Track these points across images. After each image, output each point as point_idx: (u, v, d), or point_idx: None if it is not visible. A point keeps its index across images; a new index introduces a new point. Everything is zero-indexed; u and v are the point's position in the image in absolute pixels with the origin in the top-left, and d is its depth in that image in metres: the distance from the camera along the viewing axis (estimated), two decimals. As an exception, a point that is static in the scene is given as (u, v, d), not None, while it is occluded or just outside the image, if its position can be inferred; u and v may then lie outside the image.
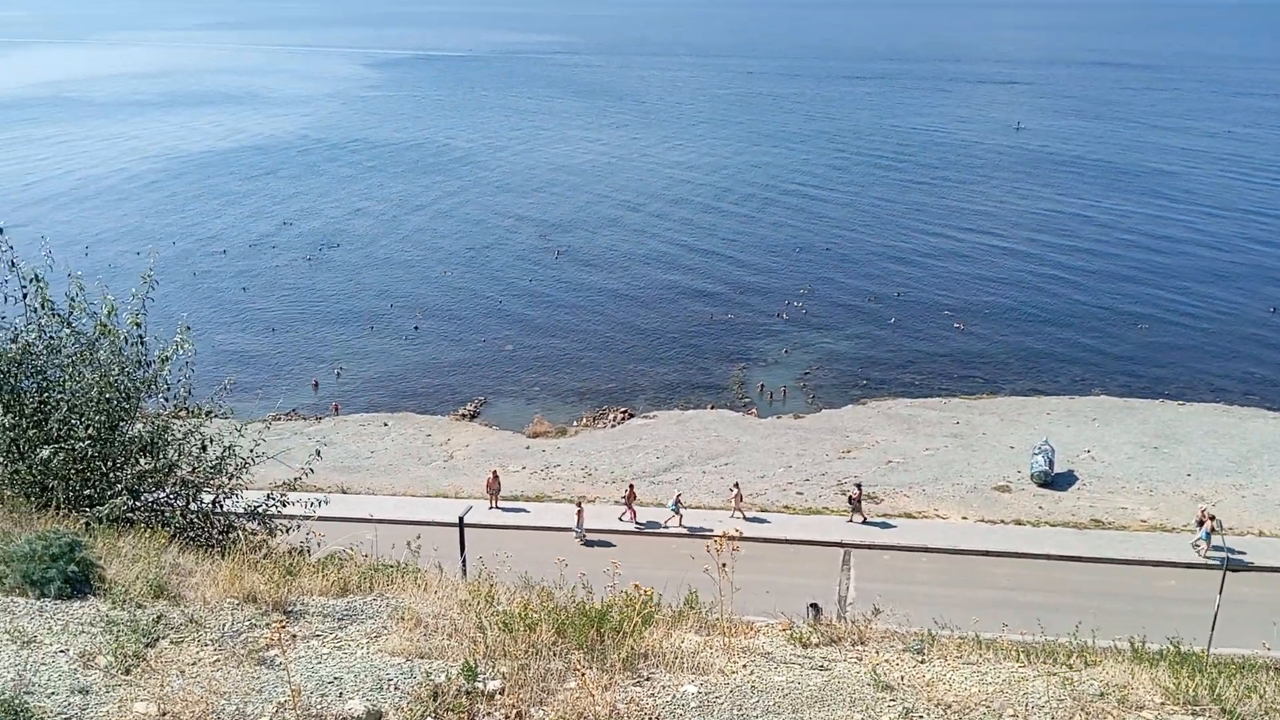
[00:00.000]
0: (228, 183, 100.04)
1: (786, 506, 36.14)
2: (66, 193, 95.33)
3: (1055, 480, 38.59)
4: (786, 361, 54.19)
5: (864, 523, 34.87)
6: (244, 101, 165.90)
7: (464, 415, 48.09)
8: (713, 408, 48.48)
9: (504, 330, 59.40)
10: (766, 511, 36.15)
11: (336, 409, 48.66)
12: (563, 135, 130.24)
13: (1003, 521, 35.38)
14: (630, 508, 35.51)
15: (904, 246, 75.46)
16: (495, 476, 36.99)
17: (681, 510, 35.13)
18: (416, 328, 59.51)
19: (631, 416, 47.84)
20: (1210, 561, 31.48)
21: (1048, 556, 32.80)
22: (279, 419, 45.10)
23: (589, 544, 33.57)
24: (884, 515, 35.85)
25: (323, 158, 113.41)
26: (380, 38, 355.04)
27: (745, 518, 34.98)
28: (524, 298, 65.06)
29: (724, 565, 8.09)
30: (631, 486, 36.54)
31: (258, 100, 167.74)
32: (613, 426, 46.66)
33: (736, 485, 36.34)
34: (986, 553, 33.06)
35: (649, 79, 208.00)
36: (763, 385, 50.73)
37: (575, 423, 47.39)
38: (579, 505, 34.77)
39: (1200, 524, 32.83)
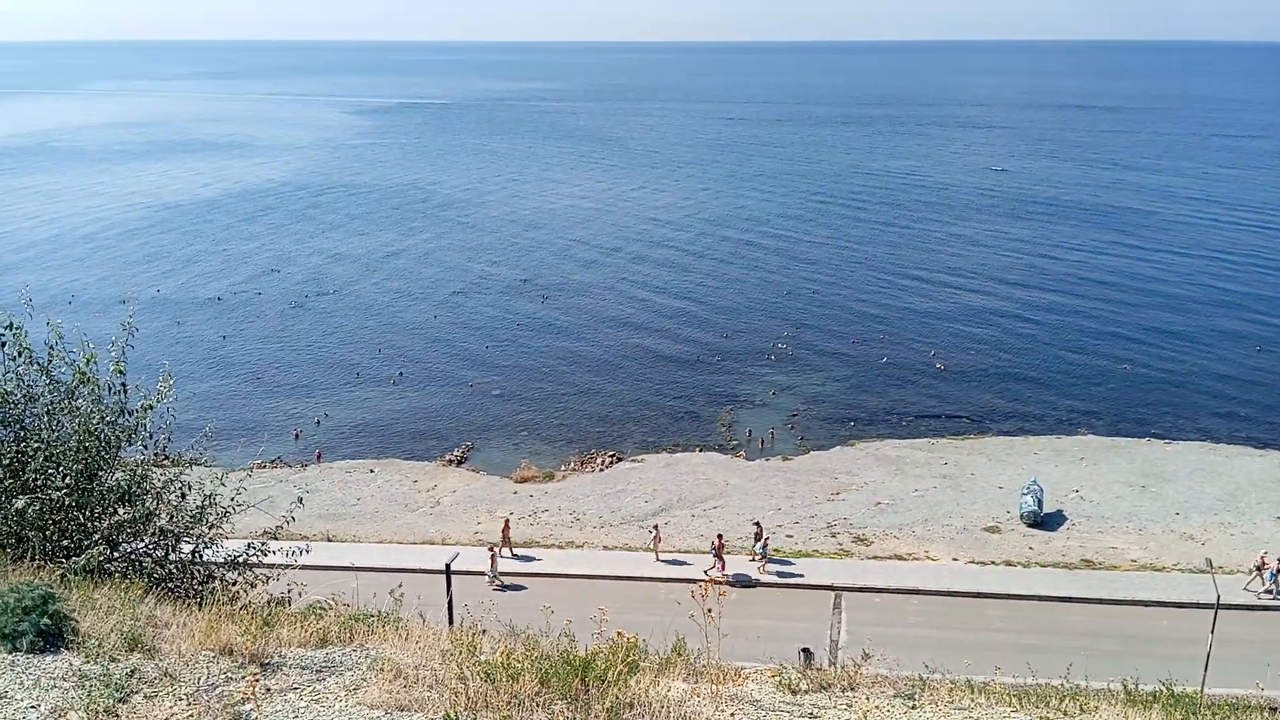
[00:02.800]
0: (213, 230, 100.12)
1: (776, 549, 35.88)
2: (50, 240, 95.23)
3: (1044, 520, 38.51)
4: (774, 404, 54.18)
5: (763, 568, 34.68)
6: (230, 149, 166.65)
7: (451, 461, 47.78)
8: (700, 450, 48.33)
9: (490, 375, 59.25)
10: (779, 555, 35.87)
11: (319, 456, 48.27)
12: (547, 180, 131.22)
13: (993, 562, 35.22)
14: (720, 558, 33.94)
15: (888, 289, 75.94)
16: (507, 525, 36.39)
17: (766, 554, 34.22)
18: (401, 373, 59.31)
19: (619, 460, 47.61)
20: (1272, 603, 31.73)
21: (1039, 597, 32.61)
22: (262, 467, 44.72)
23: (503, 588, 33.14)
24: (874, 557, 35.67)
25: (308, 205, 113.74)
26: (366, 86, 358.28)
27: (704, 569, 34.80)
28: (509, 342, 65.03)
29: (710, 610, 7.97)
30: (720, 537, 34.77)
31: (244, 148, 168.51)
32: (601, 470, 46.40)
33: (656, 528, 36.13)
34: (978, 594, 32.86)
35: (632, 124, 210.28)
36: (750, 430, 50.64)
37: (563, 467, 47.13)
38: (491, 548, 34.14)
39: (1260, 568, 32.71)
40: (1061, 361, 59.82)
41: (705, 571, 33.16)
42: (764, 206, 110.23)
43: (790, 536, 37.51)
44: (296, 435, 51.00)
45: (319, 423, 52.40)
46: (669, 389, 56.78)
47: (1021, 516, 38.48)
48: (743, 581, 33.31)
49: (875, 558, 35.61)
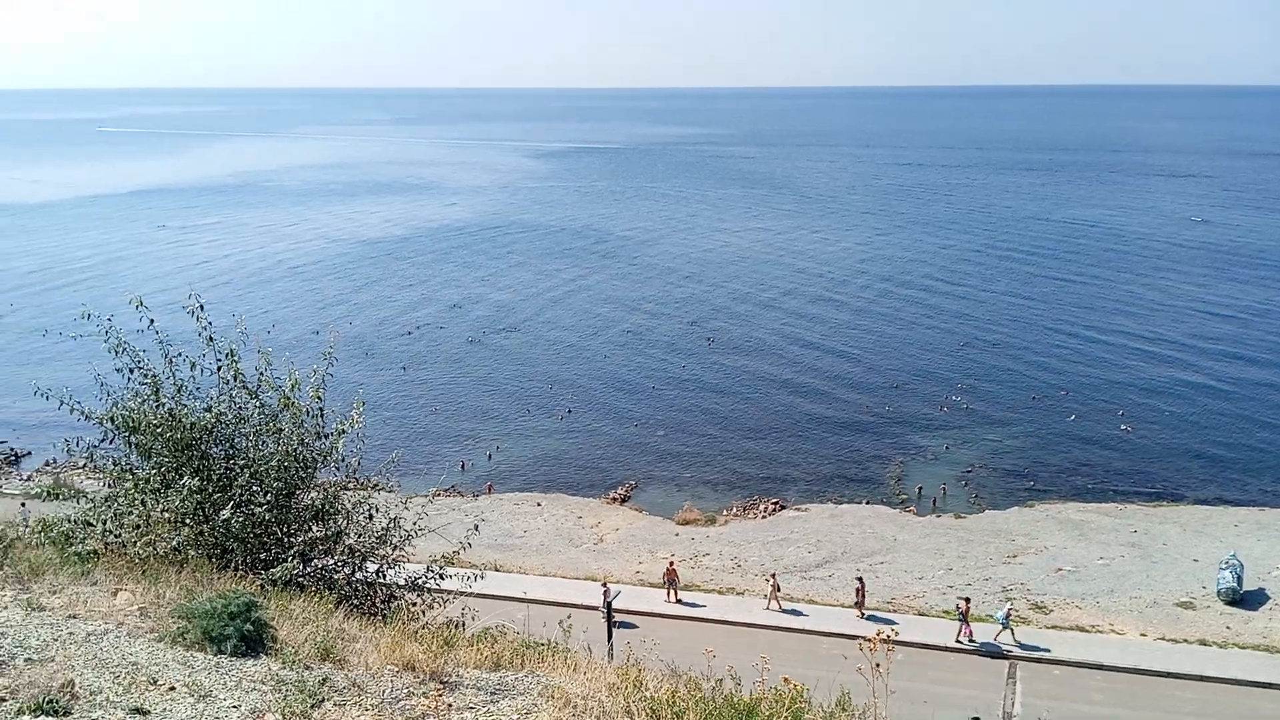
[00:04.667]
0: (402, 267, 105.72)
1: (946, 611, 34.43)
2: (257, 273, 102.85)
3: (1244, 598, 35.43)
4: (946, 458, 52.29)
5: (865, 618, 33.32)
6: (418, 190, 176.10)
7: (614, 499, 48.37)
8: (867, 503, 47.10)
9: (656, 415, 59.79)
10: (925, 615, 34.55)
11: (490, 488, 49.82)
12: (718, 223, 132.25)
13: (1186, 641, 32.62)
14: (967, 624, 32.38)
15: (1071, 344, 72.31)
16: (672, 567, 36.39)
17: (1011, 626, 32.41)
18: (570, 410, 60.65)
19: (783, 508, 46.98)
20: None
21: (1236, 682, 29.95)
22: (439, 494, 46.56)
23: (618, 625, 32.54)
24: (1053, 626, 33.69)
25: (489, 244, 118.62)
26: (543, 131, 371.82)
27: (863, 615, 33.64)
28: (676, 383, 65.51)
29: (878, 666, 7.76)
30: (967, 600, 33.00)
31: (430, 189, 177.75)
32: (763, 517, 45.92)
33: (773, 576, 35.20)
34: (1168, 674, 30.48)
35: (804, 168, 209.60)
36: (920, 485, 48.96)
37: (725, 511, 46.90)
38: (605, 584, 33.37)
39: None
40: (1266, 429, 55.26)
41: (956, 639, 31.96)
42: (941, 255, 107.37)
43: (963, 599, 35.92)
44: (463, 467, 52.82)
45: (490, 456, 54.12)
46: (835, 436, 55.75)
47: (1219, 593, 35.55)
48: (991, 651, 31.67)
49: (1054, 627, 33.61)
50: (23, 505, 38.25)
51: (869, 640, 8.11)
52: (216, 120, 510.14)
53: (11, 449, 56.08)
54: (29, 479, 51.71)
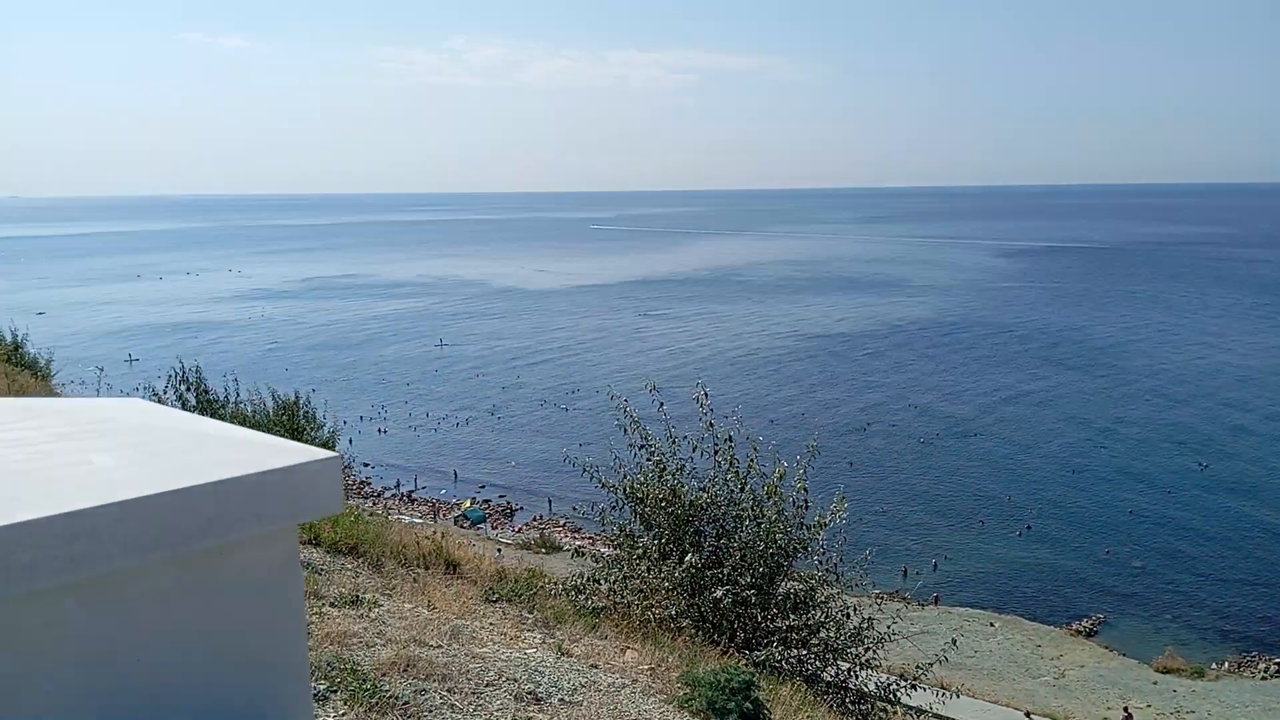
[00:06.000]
0: (859, 362, 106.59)
1: None
2: (727, 360, 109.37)
3: None
4: None
5: None
6: (877, 288, 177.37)
7: (1079, 631, 43.92)
8: None
9: (1130, 545, 53.63)
10: None
11: (937, 600, 47.68)
12: (1208, 336, 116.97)
13: None
14: None
15: None
16: (1128, 714, 32.54)
17: None
18: (1029, 526, 56.49)
19: (1292, 672, 39.57)
20: None
21: None
22: (880, 598, 45.50)
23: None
24: None
25: (949, 344, 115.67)
26: (1013, 229, 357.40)
27: None
28: (1157, 516, 58.25)
29: None
30: None
31: (889, 287, 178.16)
32: (1263, 679, 38.98)
33: None
34: None
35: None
36: None
37: (1215, 664, 40.52)
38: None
39: None
40: None
41: None
42: None
43: None
44: (905, 573, 51.01)
45: (936, 566, 51.90)
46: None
47: None
48: None
49: None
50: (499, 551, 43.68)
51: None
52: (698, 219, 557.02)
53: (508, 503, 64.60)
54: (519, 530, 59.13)
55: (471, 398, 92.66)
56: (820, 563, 13.06)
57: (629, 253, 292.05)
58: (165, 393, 23.27)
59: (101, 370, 33.13)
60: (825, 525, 13.36)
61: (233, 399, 24.34)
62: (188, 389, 23.91)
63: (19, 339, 28.32)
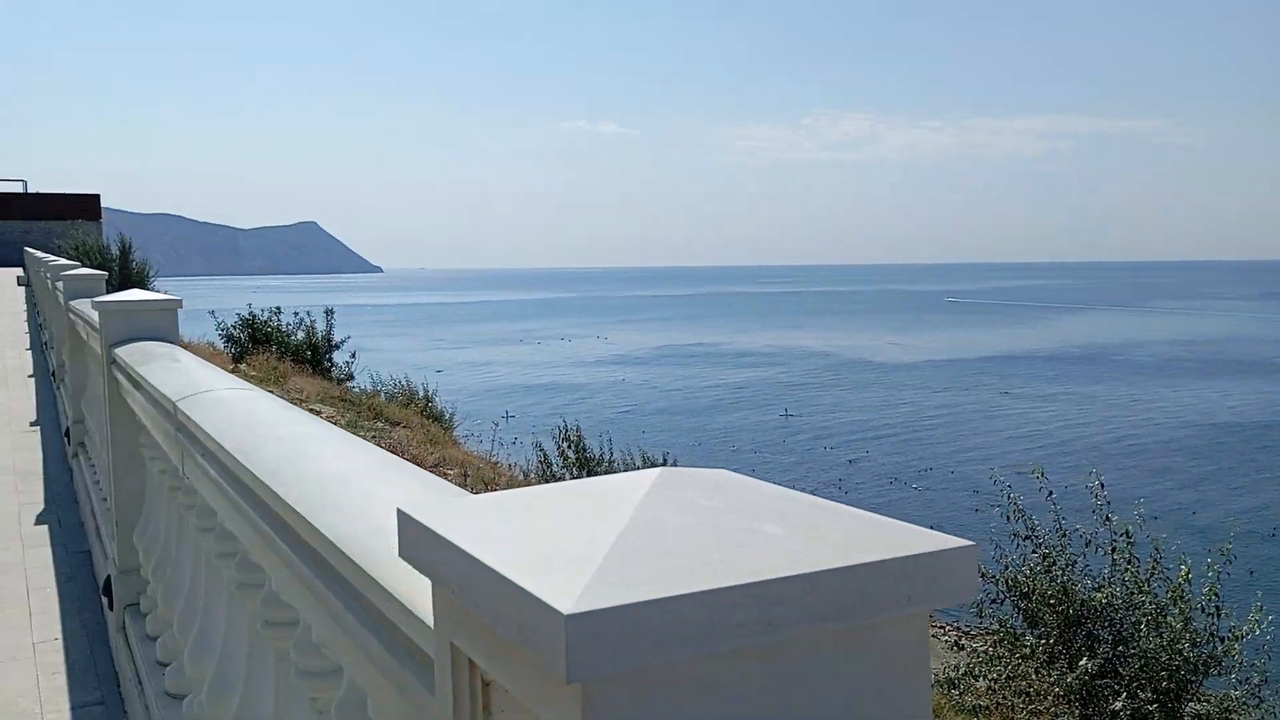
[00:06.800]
0: (1259, 457, 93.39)
1: None
2: (1091, 448, 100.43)
3: None
4: None
5: None
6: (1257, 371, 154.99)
7: None
8: None
9: None
10: None
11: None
12: None
13: None
14: None
15: None
16: None
17: None
18: None
19: None
20: None
21: None
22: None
23: None
24: None
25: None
26: None
27: None
28: None
29: None
30: None
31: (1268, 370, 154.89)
32: None
33: None
34: None
35: None
36: None
37: None
38: None
39: None
40: None
41: None
42: None
43: None
44: None
45: None
46: None
47: None
48: None
49: None
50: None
51: None
52: (1067, 292, 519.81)
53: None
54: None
55: (816, 468, 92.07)
56: (1239, 681, 11.61)
57: (987, 326, 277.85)
58: (555, 447, 25.53)
59: (496, 425, 36.88)
60: (1241, 638, 11.88)
61: (606, 458, 26.15)
62: (569, 446, 26.09)
63: (430, 394, 32.28)
